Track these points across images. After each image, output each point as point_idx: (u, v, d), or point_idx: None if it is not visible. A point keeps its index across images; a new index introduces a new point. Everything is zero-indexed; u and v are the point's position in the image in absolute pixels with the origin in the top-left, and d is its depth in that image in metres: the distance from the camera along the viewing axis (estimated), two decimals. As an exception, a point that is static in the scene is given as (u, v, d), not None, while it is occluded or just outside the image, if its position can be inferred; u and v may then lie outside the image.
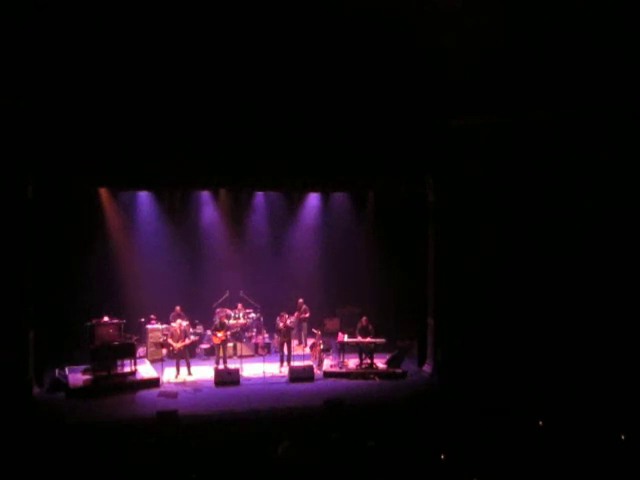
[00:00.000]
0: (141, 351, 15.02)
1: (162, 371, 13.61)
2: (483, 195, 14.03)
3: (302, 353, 15.22)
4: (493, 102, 13.08)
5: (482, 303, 13.81)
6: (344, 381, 13.81)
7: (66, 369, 13.58)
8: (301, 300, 16.36)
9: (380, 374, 14.02)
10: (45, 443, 9.47)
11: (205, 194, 16.94)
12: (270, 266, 17.30)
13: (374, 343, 14.33)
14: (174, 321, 14.64)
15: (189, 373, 13.90)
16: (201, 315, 16.19)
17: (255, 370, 14.25)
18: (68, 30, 10.51)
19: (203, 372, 14.14)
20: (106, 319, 14.33)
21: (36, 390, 12.57)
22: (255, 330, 16.15)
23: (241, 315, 16.17)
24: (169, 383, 13.39)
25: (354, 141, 13.73)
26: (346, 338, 14.54)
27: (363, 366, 14.35)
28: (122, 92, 12.15)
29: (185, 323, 14.80)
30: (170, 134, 12.89)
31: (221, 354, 14.35)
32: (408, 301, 15.61)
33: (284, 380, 13.74)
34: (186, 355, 13.97)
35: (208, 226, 17.16)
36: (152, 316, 15.49)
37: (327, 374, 14.12)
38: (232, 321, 15.80)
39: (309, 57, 11.71)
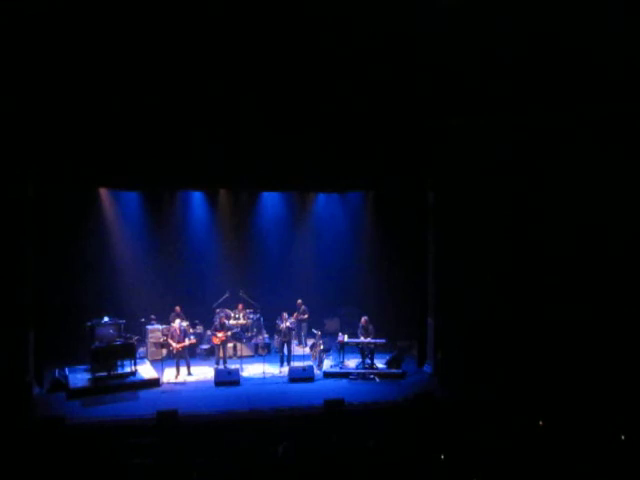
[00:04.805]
0: (141, 351, 15.03)
1: (162, 371, 13.62)
2: (483, 195, 14.03)
3: (302, 353, 15.24)
4: (493, 102, 13.07)
5: (482, 303, 13.81)
6: (344, 381, 13.81)
7: (66, 369, 13.59)
8: (300, 301, 16.39)
9: (380, 374, 14.02)
10: (45, 443, 9.47)
11: (204, 194, 16.95)
12: (270, 266, 17.31)
13: (374, 343, 14.33)
14: (173, 321, 14.65)
15: (189, 373, 13.90)
16: (201, 315, 16.20)
17: (255, 370, 14.25)
18: (68, 30, 10.50)
19: (203, 372, 14.13)
20: (106, 319, 14.35)
21: (36, 390, 12.56)
22: (255, 330, 16.15)
23: (241, 315, 16.18)
24: (169, 383, 13.40)
25: (354, 141, 13.72)
26: (346, 338, 14.54)
27: (363, 366, 14.35)
28: (123, 92, 12.13)
29: (185, 323, 14.81)
30: (170, 134, 12.88)
31: (221, 354, 14.36)
32: (408, 301, 15.61)
33: (284, 380, 13.74)
34: (186, 355, 13.96)
35: (208, 226, 17.17)
36: (152, 316, 15.51)
37: (327, 374, 14.12)
38: (232, 321, 15.81)
39: (309, 57, 11.70)
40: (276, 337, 15.41)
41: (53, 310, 13.67)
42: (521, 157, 13.84)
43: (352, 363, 14.64)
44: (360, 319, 14.80)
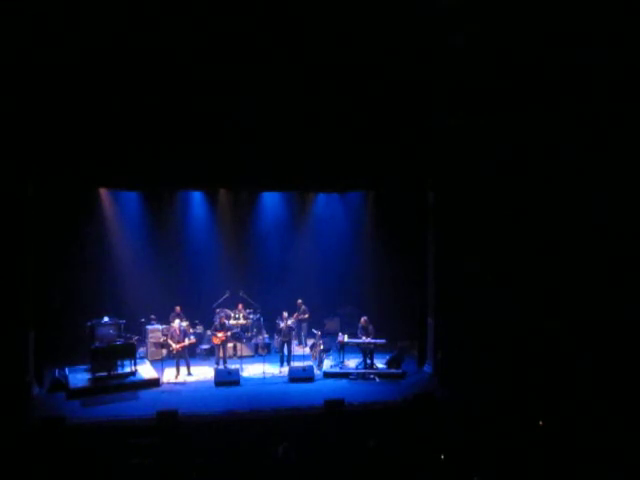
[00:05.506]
0: (141, 351, 15.03)
1: (162, 371, 13.62)
2: (483, 195, 14.03)
3: (302, 353, 15.23)
4: (493, 102, 13.07)
5: (482, 303, 13.81)
6: (344, 381, 13.81)
7: (66, 369, 13.59)
8: (300, 301, 16.39)
9: (380, 374, 14.02)
10: (45, 443, 9.48)
11: (204, 194, 16.96)
12: (270, 266, 17.32)
13: (374, 343, 14.33)
14: (173, 321, 14.64)
15: (189, 373, 13.90)
16: (201, 315, 16.19)
17: (255, 370, 14.25)
18: (68, 30, 10.51)
19: (203, 372, 14.14)
20: (106, 319, 14.36)
21: (36, 390, 12.56)
22: (255, 330, 16.16)
23: (241, 315, 16.18)
24: (169, 383, 13.40)
25: (354, 141, 13.72)
26: (346, 338, 14.54)
27: (363, 366, 14.35)
28: (122, 91, 12.13)
29: (185, 323, 14.81)
30: (170, 134, 12.88)
31: (221, 354, 14.37)
32: (408, 301, 15.61)
33: (284, 380, 13.74)
34: (186, 355, 13.96)
35: (208, 226, 17.18)
36: (152, 316, 15.51)
37: (327, 374, 14.11)
38: (232, 321, 15.81)
39: (309, 56, 11.70)
40: (276, 337, 15.41)
41: (53, 310, 13.67)
42: (521, 157, 13.84)
43: (352, 363, 14.64)
44: (360, 319, 14.81)
